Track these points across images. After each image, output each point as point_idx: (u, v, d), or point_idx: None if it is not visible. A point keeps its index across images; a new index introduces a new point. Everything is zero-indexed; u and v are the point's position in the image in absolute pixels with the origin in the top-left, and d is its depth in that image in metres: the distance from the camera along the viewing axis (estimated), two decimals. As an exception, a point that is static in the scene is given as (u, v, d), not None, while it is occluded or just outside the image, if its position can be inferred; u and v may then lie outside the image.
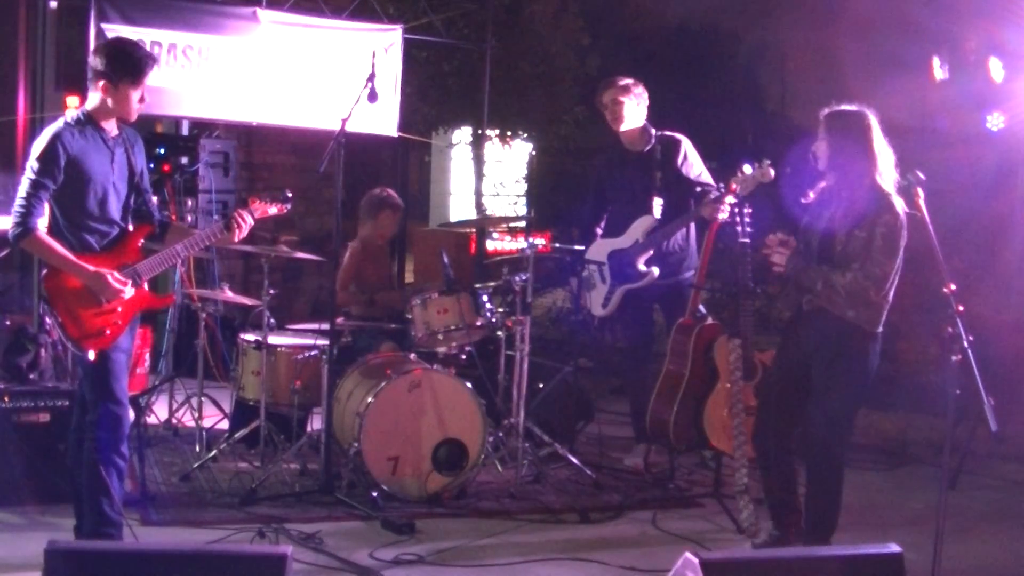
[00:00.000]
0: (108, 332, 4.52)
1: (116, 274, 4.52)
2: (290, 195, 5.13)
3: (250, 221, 4.86)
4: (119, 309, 4.55)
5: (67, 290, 4.47)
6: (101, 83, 4.51)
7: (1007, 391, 6.82)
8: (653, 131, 6.50)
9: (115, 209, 4.60)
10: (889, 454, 7.11)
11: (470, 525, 5.43)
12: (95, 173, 4.51)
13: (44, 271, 4.51)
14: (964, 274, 7.40)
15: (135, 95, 4.56)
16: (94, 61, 4.54)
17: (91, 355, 4.48)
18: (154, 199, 4.92)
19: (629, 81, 6.47)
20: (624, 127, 6.46)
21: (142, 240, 4.71)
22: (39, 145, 4.45)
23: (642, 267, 6.32)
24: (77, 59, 7.37)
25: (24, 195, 4.41)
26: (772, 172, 5.63)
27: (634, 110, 6.44)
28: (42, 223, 4.46)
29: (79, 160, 4.46)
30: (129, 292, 4.55)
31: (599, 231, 6.57)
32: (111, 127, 4.60)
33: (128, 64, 4.53)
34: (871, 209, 4.77)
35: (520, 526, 5.45)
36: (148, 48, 7.09)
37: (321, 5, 8.08)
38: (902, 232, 4.77)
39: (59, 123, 4.51)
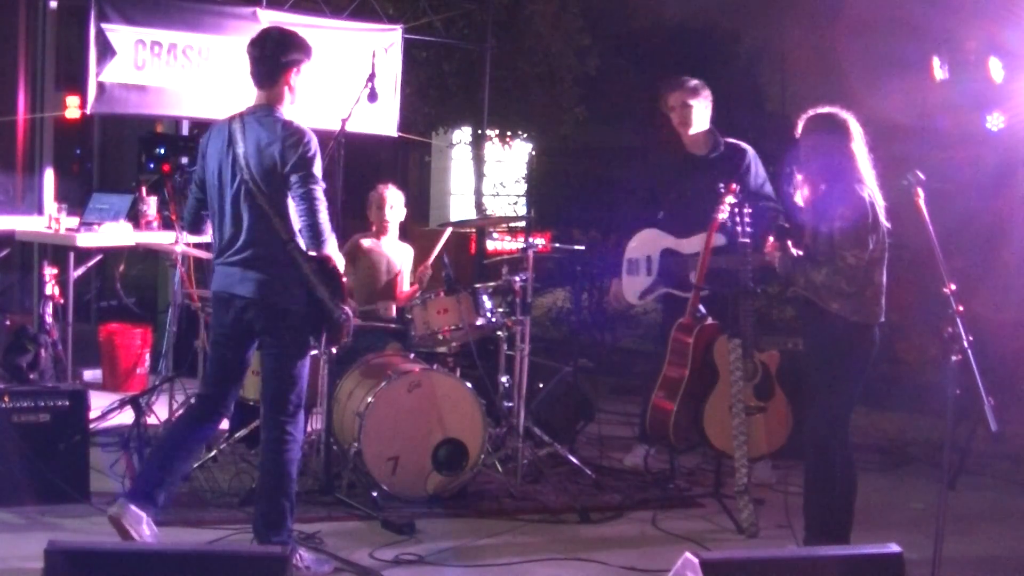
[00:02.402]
0: None
1: None
2: None
3: None
4: None
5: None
6: (292, 70, 4.57)
7: (1007, 391, 6.83)
8: (719, 136, 6.32)
9: None
10: (889, 454, 7.11)
11: (470, 525, 5.43)
12: None
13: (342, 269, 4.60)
14: (964, 274, 7.39)
15: None
16: (265, 55, 4.55)
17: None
18: (153, 199, 4.96)
19: (697, 83, 6.28)
20: (692, 131, 6.28)
21: None
22: (313, 153, 4.49)
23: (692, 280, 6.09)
24: (77, 59, 7.37)
25: (319, 204, 4.48)
26: None
27: (702, 113, 6.26)
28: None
29: None
30: None
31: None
32: None
33: (304, 44, 4.64)
34: (833, 204, 4.87)
35: (520, 526, 5.45)
36: (148, 48, 7.14)
37: (321, 5, 8.08)
38: (862, 222, 4.82)
39: (295, 121, 4.53)
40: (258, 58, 4.58)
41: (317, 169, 4.51)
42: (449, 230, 6.78)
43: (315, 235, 4.48)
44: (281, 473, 4.59)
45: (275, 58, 4.55)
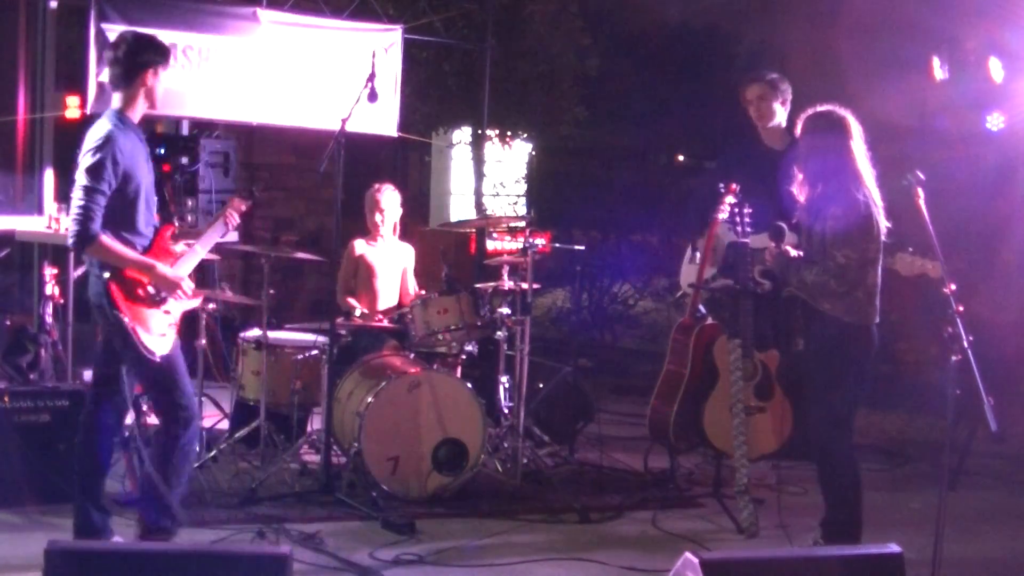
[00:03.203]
0: (169, 334, 4.60)
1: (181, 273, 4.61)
2: (256, 192, 5.38)
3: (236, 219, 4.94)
4: (172, 311, 4.60)
5: (133, 294, 4.49)
6: (144, 73, 4.51)
7: (1007, 391, 6.83)
8: (793, 133, 6.25)
9: (153, 212, 4.62)
10: (889, 454, 7.11)
11: (470, 525, 5.43)
12: (142, 177, 4.51)
13: (108, 274, 4.46)
14: (964, 274, 7.39)
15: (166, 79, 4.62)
16: (120, 56, 4.50)
17: (157, 357, 4.51)
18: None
19: (775, 76, 6.28)
20: (769, 124, 6.26)
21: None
22: (92, 151, 4.38)
23: (758, 278, 5.83)
24: (77, 59, 7.37)
25: (81, 202, 4.35)
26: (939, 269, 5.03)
27: (780, 108, 6.25)
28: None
29: (131, 165, 4.45)
30: (189, 288, 4.63)
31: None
32: (137, 126, 4.60)
33: (160, 48, 4.60)
34: (827, 204, 4.89)
35: (520, 526, 5.45)
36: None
37: (321, 5, 8.08)
38: (853, 223, 4.82)
39: (108, 125, 4.45)
40: (113, 60, 4.57)
41: (94, 172, 4.36)
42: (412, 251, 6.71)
43: (72, 235, 4.38)
44: (167, 460, 4.60)
45: (129, 60, 4.52)
